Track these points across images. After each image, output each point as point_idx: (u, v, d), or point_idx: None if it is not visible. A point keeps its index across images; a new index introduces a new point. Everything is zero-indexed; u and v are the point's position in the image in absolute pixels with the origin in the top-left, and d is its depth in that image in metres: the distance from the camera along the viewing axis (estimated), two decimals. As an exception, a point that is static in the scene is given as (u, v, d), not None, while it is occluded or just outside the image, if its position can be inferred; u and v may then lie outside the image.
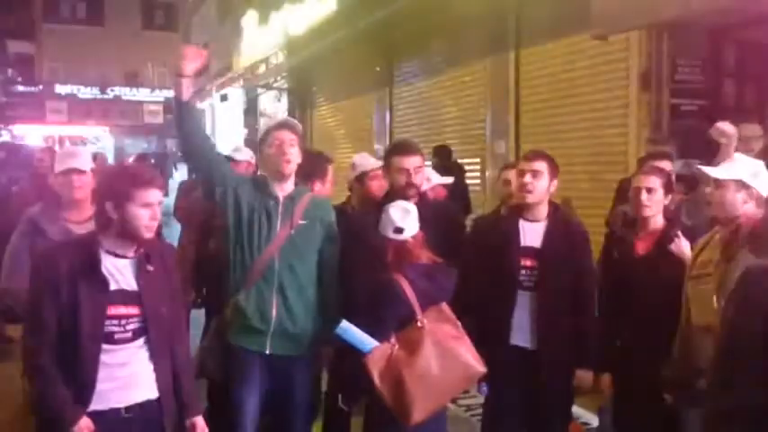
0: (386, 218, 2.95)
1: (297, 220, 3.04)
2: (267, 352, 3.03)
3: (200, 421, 2.66)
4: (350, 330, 2.77)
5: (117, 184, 2.42)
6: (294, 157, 3.06)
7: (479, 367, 2.90)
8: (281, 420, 3.15)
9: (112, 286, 2.41)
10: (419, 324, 2.83)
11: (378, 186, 3.94)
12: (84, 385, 2.38)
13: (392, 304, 2.84)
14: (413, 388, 2.75)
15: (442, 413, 3.07)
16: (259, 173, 3.34)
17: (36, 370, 2.40)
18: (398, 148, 3.56)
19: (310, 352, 3.14)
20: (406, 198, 3.33)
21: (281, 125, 3.14)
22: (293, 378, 3.10)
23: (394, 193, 3.40)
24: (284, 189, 3.10)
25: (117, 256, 2.44)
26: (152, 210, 2.42)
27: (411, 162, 3.41)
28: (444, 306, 2.94)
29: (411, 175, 3.39)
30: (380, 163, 4.01)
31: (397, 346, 2.80)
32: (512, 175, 3.87)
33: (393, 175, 3.44)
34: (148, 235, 2.44)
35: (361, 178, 3.99)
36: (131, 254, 2.47)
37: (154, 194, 2.43)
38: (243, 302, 3.02)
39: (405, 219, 2.95)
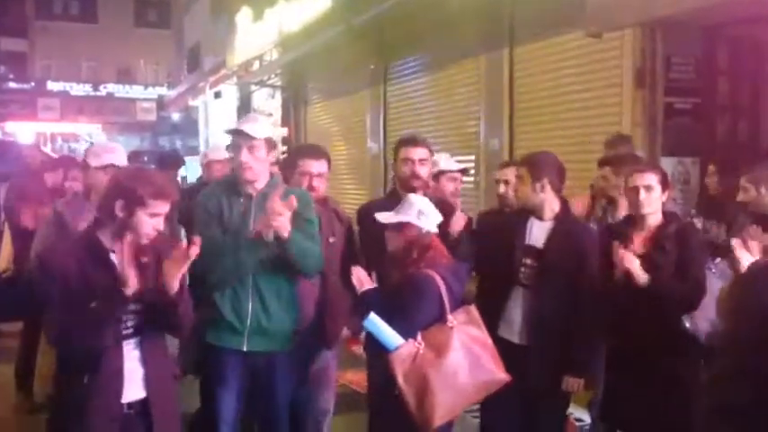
0: (430, 211, 2.89)
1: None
2: (244, 349, 3.03)
3: None
4: (377, 324, 2.68)
5: (136, 188, 2.40)
6: (253, 163, 3.01)
7: (503, 375, 2.82)
8: (264, 416, 3.15)
9: None
10: (449, 324, 2.76)
11: (454, 189, 4.00)
12: (115, 374, 2.41)
13: (429, 301, 2.76)
14: (438, 391, 2.64)
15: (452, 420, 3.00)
16: None
17: (58, 332, 2.40)
18: (405, 140, 3.65)
19: (290, 347, 3.13)
20: (410, 190, 3.37)
21: (238, 132, 3.06)
22: (273, 374, 3.09)
23: (400, 185, 3.48)
24: (256, 186, 3.06)
25: (113, 251, 2.44)
26: (158, 220, 2.44)
27: (416, 153, 3.49)
28: (473, 308, 2.88)
29: (416, 166, 3.44)
30: (461, 166, 4.04)
31: (423, 346, 2.70)
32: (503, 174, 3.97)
33: (399, 165, 3.52)
34: (145, 242, 2.44)
35: (437, 177, 4.00)
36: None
37: (165, 207, 2.46)
38: (219, 301, 3.01)
39: (438, 213, 2.93)
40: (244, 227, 3.00)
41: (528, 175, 3.31)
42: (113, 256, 2.43)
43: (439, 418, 2.67)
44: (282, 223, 2.84)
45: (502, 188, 3.92)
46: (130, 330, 2.47)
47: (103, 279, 2.36)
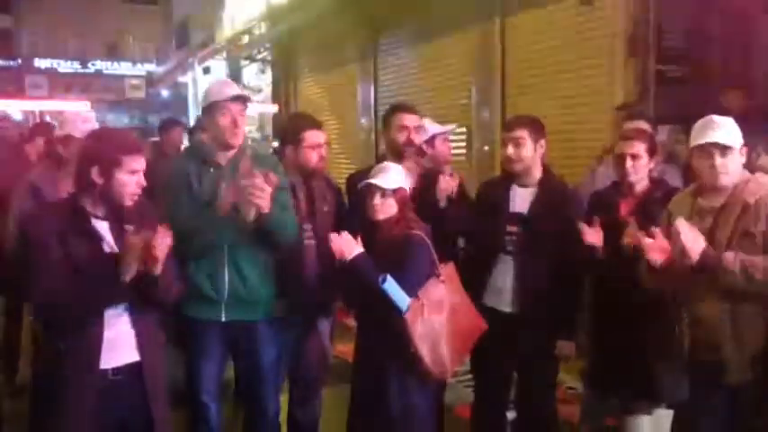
0: (404, 173, 3.04)
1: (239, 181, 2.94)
2: (223, 320, 3.00)
3: None
4: (393, 285, 2.76)
5: (106, 150, 2.39)
6: (243, 129, 3.02)
7: (482, 322, 3.03)
8: (249, 385, 3.14)
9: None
10: (441, 279, 2.91)
11: (449, 150, 3.93)
12: (93, 343, 2.39)
13: (426, 260, 2.88)
14: (449, 343, 2.85)
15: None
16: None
17: (42, 294, 2.35)
18: (400, 106, 3.63)
19: (271, 314, 3.10)
20: (403, 156, 3.37)
21: (236, 98, 3.03)
22: (255, 343, 3.07)
23: (392, 152, 3.47)
24: (227, 154, 3.02)
25: (97, 217, 2.42)
26: (138, 176, 2.42)
27: (412, 120, 3.49)
28: (450, 264, 3.02)
29: (412, 133, 3.43)
30: (447, 128, 4.03)
31: (425, 303, 2.84)
32: None
33: (393, 132, 3.48)
34: (131, 202, 2.42)
35: (431, 141, 3.95)
36: (108, 216, 2.44)
37: (141, 162, 2.44)
38: (194, 273, 2.97)
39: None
40: (215, 198, 2.95)
41: (530, 136, 3.27)
42: (96, 223, 2.40)
43: (452, 368, 2.91)
44: (264, 200, 2.80)
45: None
46: None
47: (85, 247, 2.34)
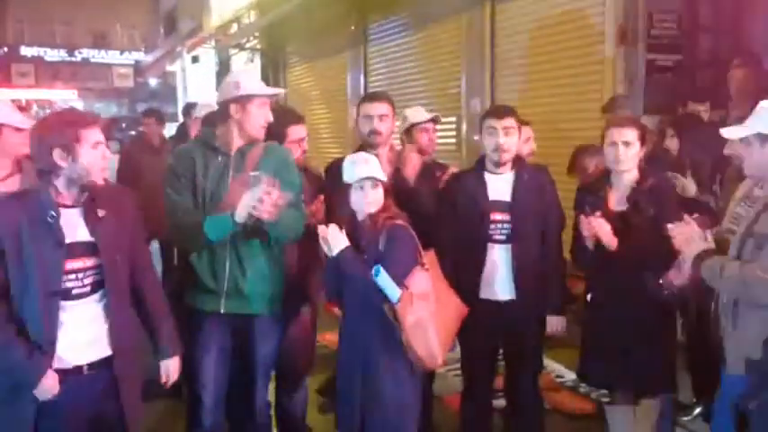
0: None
1: (248, 172, 2.90)
2: (221, 311, 2.97)
3: (173, 364, 2.65)
4: (384, 276, 2.74)
5: (62, 130, 2.29)
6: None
7: (464, 306, 3.02)
8: (240, 378, 3.11)
9: (67, 239, 2.31)
10: (426, 268, 2.89)
11: (428, 140, 3.90)
12: (45, 344, 2.31)
13: (413, 250, 2.87)
14: (437, 330, 2.83)
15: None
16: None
17: None
18: (366, 96, 3.66)
19: (272, 310, 3.07)
20: (373, 146, 3.33)
21: (272, 96, 3.10)
22: (252, 336, 3.04)
23: (363, 142, 3.44)
24: (235, 143, 2.97)
25: (65, 206, 2.34)
26: (102, 149, 2.35)
27: (376, 108, 3.42)
28: (431, 252, 2.99)
29: (375, 122, 3.38)
30: (429, 116, 4.04)
31: (413, 292, 2.82)
32: None
33: (360, 123, 3.46)
34: (101, 178, 2.36)
35: (410, 131, 3.93)
36: (79, 202, 2.37)
37: (99, 132, 2.35)
38: (196, 263, 2.95)
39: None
40: (221, 189, 2.91)
41: (517, 125, 3.28)
42: (65, 212, 2.33)
43: (442, 355, 2.89)
44: (272, 214, 2.75)
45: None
46: (87, 288, 2.37)
47: (43, 248, 2.27)
